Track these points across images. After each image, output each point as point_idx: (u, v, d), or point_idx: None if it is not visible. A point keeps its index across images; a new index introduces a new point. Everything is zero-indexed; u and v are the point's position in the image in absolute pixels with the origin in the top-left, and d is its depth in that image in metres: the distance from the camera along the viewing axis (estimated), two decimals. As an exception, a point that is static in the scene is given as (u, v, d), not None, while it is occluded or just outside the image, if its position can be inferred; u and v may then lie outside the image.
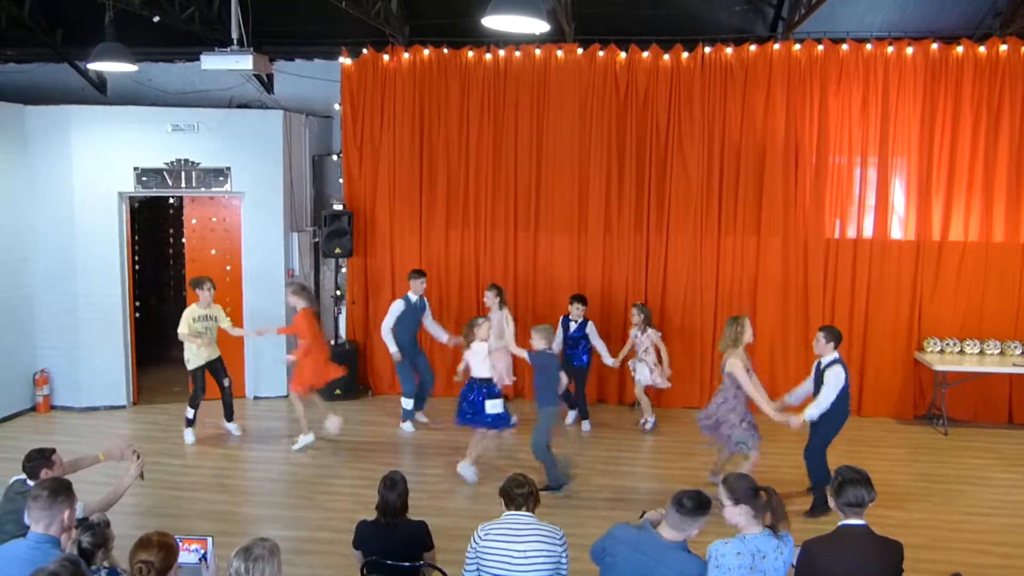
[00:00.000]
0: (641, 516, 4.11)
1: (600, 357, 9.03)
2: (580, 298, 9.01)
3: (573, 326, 8.97)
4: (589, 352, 9.00)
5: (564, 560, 4.27)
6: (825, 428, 6.91)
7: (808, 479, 7.08)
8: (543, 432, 7.32)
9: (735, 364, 6.96)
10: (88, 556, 3.78)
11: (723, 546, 3.85)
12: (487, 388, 7.43)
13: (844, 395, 6.87)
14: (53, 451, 4.91)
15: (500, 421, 7.47)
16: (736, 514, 3.91)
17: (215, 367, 8.73)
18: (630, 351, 9.18)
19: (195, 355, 8.56)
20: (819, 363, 6.99)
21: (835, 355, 6.87)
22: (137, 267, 10.66)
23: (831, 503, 4.09)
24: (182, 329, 8.47)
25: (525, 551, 4.17)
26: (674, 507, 3.83)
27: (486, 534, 4.28)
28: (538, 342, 7.33)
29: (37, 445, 5.13)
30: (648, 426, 9.13)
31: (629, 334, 9.17)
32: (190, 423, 8.72)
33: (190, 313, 8.52)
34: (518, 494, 4.35)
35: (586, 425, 9.25)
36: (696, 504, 3.82)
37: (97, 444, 8.35)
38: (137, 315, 10.28)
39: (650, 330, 8.94)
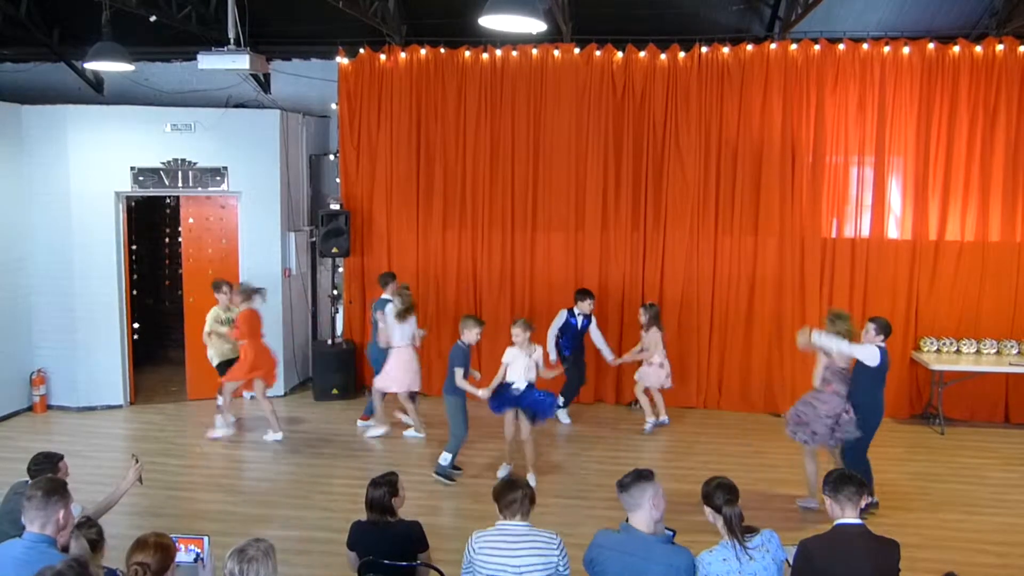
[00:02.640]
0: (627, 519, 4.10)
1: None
2: (591, 293, 9.14)
3: (582, 320, 9.09)
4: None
5: (563, 566, 4.17)
6: (860, 429, 6.77)
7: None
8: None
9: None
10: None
11: (708, 555, 3.87)
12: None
13: (877, 394, 6.76)
14: (61, 457, 4.91)
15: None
16: (710, 514, 4.00)
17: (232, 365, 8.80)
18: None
19: (217, 353, 8.87)
20: None
21: (881, 344, 6.73)
22: (134, 267, 10.65)
23: (827, 502, 4.11)
24: (205, 328, 8.83)
25: (519, 567, 4.06)
26: (618, 491, 3.92)
27: (480, 546, 4.15)
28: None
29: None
30: (647, 428, 9.06)
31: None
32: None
33: (213, 315, 8.82)
34: (510, 500, 4.19)
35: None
36: (633, 476, 3.92)
37: (94, 444, 8.43)
38: (134, 315, 10.27)
39: (652, 330, 8.93)
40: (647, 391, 9.13)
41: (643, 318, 8.99)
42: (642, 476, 3.92)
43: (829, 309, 7.48)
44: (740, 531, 3.88)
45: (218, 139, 9.75)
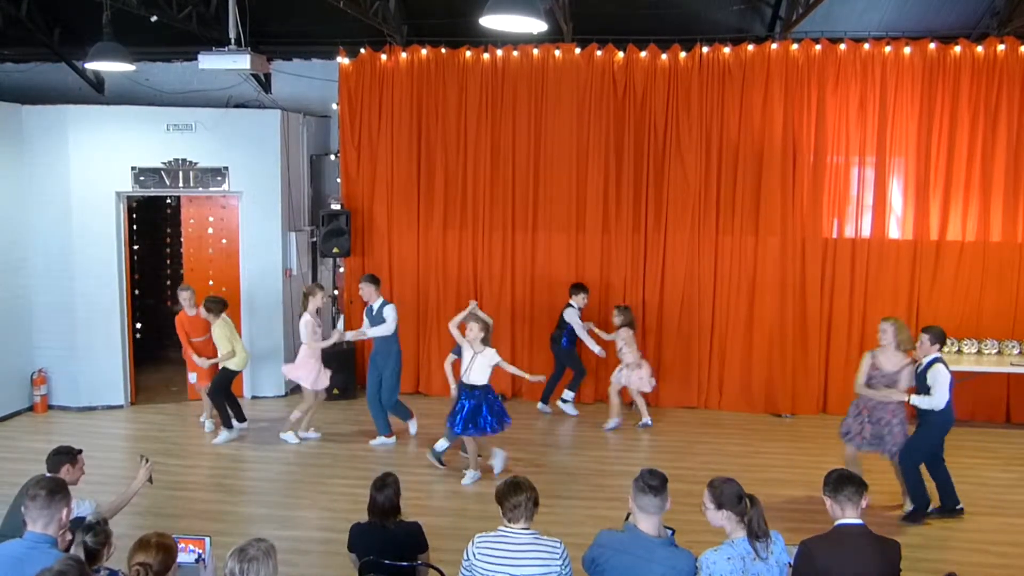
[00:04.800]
0: (627, 518, 4.09)
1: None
2: (585, 287, 9.35)
3: (579, 313, 9.32)
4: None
5: (566, 572, 4.10)
6: (933, 438, 6.75)
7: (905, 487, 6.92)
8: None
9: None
10: (94, 555, 3.78)
11: (713, 554, 3.85)
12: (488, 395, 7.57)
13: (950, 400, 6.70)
14: (80, 451, 4.96)
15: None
16: (719, 518, 3.92)
17: None
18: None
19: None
20: (920, 365, 6.84)
21: (937, 354, 6.73)
22: (135, 267, 10.65)
23: (827, 502, 4.10)
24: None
25: None
26: (648, 492, 3.83)
27: (481, 551, 4.06)
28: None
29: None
30: (608, 426, 9.11)
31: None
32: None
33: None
34: (514, 504, 4.08)
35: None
36: (662, 479, 3.90)
37: (95, 444, 8.42)
38: (135, 315, 10.27)
39: (623, 329, 9.02)
40: (624, 392, 9.17)
41: (617, 320, 9.07)
42: (665, 480, 3.90)
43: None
44: (763, 533, 3.86)
45: (219, 139, 9.75)
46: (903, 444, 6.79)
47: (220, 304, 8.64)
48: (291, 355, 10.39)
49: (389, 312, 8.49)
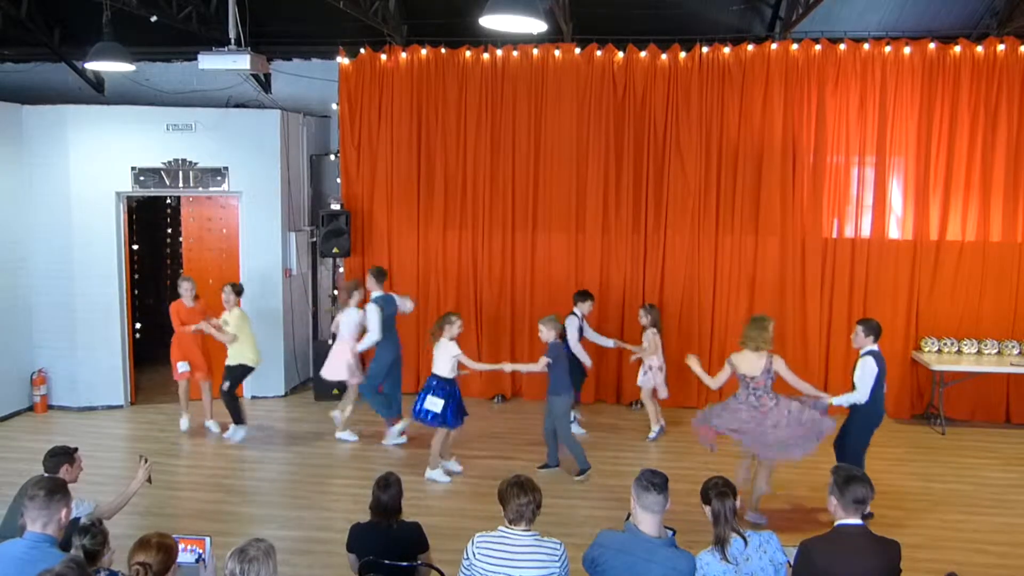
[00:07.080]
0: (627, 518, 4.09)
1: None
2: (591, 294, 8.92)
3: (586, 324, 8.90)
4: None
5: (564, 573, 4.09)
6: (858, 430, 6.76)
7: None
8: (564, 420, 7.72)
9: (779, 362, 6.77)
10: (93, 557, 3.78)
11: (707, 554, 3.87)
12: (437, 385, 7.57)
13: (878, 394, 6.70)
14: (76, 449, 4.96)
15: (431, 418, 7.55)
16: (708, 512, 4.01)
17: None
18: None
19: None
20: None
21: (872, 347, 6.76)
22: (135, 267, 10.65)
23: (832, 503, 4.08)
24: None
25: None
26: (652, 490, 3.84)
27: (481, 551, 4.05)
28: (547, 333, 7.60)
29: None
30: (651, 436, 8.92)
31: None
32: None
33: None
34: (517, 506, 4.04)
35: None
36: (663, 478, 3.92)
37: (95, 444, 8.42)
38: (135, 315, 10.27)
39: (650, 331, 8.78)
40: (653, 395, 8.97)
41: (644, 319, 8.88)
42: (667, 482, 3.92)
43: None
44: (727, 527, 3.88)
45: (219, 139, 9.75)
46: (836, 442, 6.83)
47: (240, 289, 8.73)
48: (291, 355, 10.43)
49: (371, 314, 8.46)
